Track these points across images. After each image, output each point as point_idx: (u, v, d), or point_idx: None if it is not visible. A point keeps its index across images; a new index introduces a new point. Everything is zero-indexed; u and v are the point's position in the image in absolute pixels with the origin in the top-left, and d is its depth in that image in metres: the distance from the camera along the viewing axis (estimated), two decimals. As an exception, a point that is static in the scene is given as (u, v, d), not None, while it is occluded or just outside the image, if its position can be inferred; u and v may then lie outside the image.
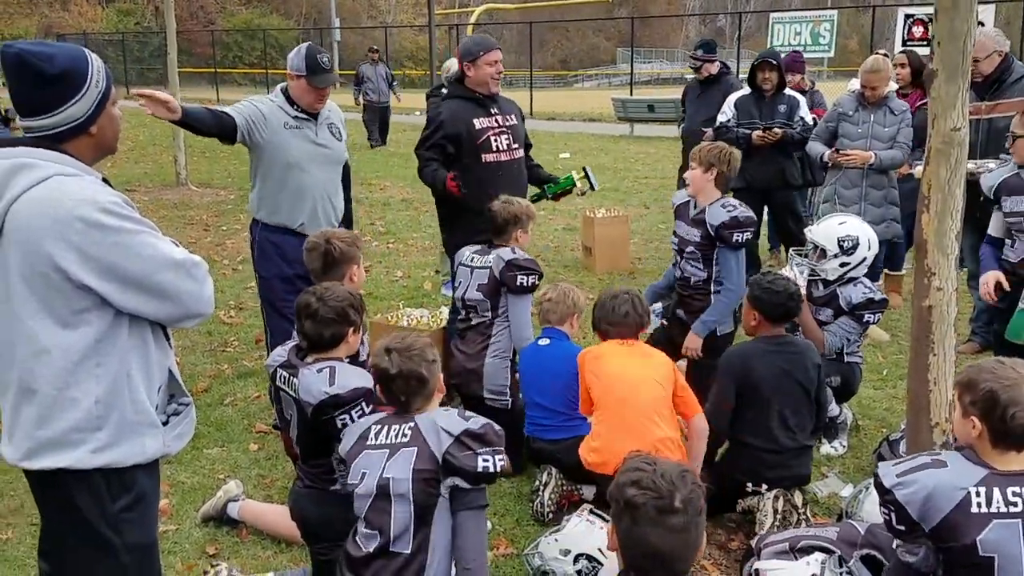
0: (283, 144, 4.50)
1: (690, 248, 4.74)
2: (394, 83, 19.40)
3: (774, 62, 7.05)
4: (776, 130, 6.86)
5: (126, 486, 2.42)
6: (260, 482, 4.41)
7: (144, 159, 17.19)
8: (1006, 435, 2.44)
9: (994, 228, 4.90)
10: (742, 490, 3.78)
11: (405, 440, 2.83)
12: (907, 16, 16.93)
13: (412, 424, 2.85)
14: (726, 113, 7.22)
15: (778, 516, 3.63)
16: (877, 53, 7.96)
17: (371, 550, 2.81)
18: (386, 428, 2.91)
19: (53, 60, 2.27)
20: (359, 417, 3.16)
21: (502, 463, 2.76)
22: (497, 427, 2.83)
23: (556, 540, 3.46)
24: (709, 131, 7.40)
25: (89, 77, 2.34)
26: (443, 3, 55.77)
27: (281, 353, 3.42)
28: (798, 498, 3.77)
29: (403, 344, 2.92)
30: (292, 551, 3.78)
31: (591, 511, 3.58)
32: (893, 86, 6.89)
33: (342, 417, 3.15)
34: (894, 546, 2.70)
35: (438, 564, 2.79)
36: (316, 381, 3.16)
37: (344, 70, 45.46)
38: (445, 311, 5.47)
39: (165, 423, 2.49)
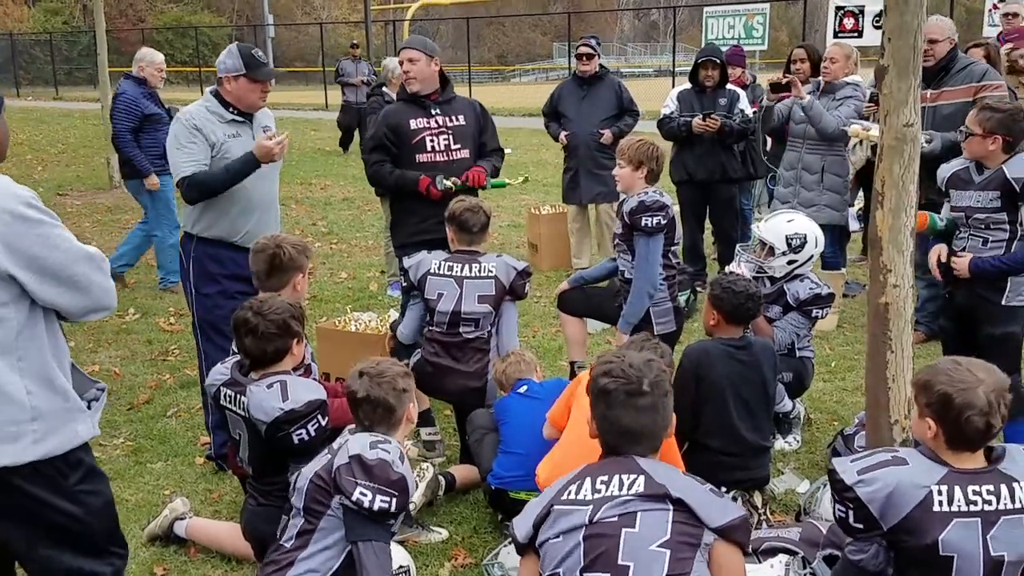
0: (230, 156, 4.27)
1: (616, 240, 4.76)
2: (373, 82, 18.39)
3: (716, 60, 7.10)
4: (715, 117, 6.89)
5: (72, 464, 2.52)
6: (207, 497, 4.28)
7: (75, 162, 16.71)
8: (960, 437, 2.44)
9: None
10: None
11: (334, 449, 2.85)
12: (838, 8, 17.15)
13: (348, 438, 2.86)
14: (669, 106, 7.26)
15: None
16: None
17: (277, 534, 2.94)
18: (342, 435, 2.95)
19: None
20: (315, 430, 3.09)
21: (384, 504, 2.70)
22: (397, 470, 2.74)
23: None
24: (607, 132, 7.31)
25: None
26: (379, -1, 55.31)
27: (223, 371, 3.31)
28: (758, 499, 3.76)
29: (376, 369, 2.91)
30: (243, 568, 3.66)
31: None
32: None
33: (298, 432, 3.08)
34: (845, 544, 2.70)
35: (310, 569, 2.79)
36: (268, 398, 3.07)
37: (279, 67, 44.94)
38: (394, 314, 5.37)
39: (88, 407, 2.58)
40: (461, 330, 4.30)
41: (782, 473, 4.38)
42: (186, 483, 4.41)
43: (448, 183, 4.82)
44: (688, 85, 7.27)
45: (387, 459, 2.73)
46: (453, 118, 4.96)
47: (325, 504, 2.76)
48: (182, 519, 3.87)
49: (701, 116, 6.93)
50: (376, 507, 2.69)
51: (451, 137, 4.93)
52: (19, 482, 2.43)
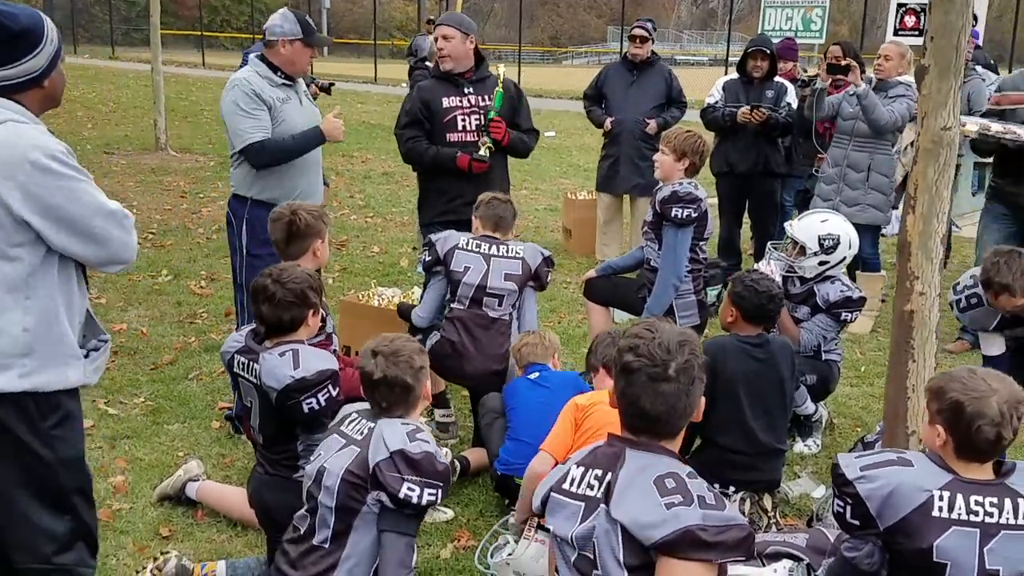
0: (285, 120, 4.39)
1: (645, 228, 4.70)
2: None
3: (767, 50, 6.95)
4: (762, 109, 6.76)
5: (53, 407, 2.60)
6: (220, 461, 4.30)
7: (125, 122, 16.90)
8: (970, 447, 2.39)
9: None
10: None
11: (358, 439, 2.73)
12: (900, 5, 16.79)
13: (372, 426, 2.74)
14: (714, 95, 7.12)
15: (745, 519, 3.55)
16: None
17: (301, 531, 2.78)
18: (358, 420, 2.83)
19: (16, 18, 2.48)
20: (325, 400, 3.07)
21: (431, 497, 2.62)
22: (442, 461, 2.67)
23: (508, 564, 3.30)
24: (653, 122, 7.14)
25: (45, 36, 2.54)
26: (435, -27, 55.20)
27: (237, 339, 3.31)
28: (767, 502, 3.69)
29: (391, 348, 2.78)
30: (248, 535, 3.68)
31: (539, 526, 3.42)
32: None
33: (308, 401, 3.06)
34: (841, 541, 2.65)
35: (352, 569, 2.68)
36: (280, 365, 3.06)
37: (333, 39, 44.96)
38: (418, 291, 5.35)
39: (86, 356, 2.67)
40: (484, 307, 4.25)
41: (799, 477, 4.30)
42: (200, 446, 4.44)
43: (484, 152, 4.80)
44: (735, 75, 7.14)
45: (430, 450, 2.66)
46: (486, 97, 4.91)
47: (360, 500, 2.66)
48: (195, 481, 3.90)
49: (748, 108, 6.81)
50: (424, 501, 2.61)
51: (483, 117, 4.89)
52: (2, 411, 2.53)
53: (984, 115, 6.13)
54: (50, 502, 2.67)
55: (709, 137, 4.88)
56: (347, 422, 2.84)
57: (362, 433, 2.74)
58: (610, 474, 2.22)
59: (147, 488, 4.01)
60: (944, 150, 2.82)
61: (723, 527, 2.09)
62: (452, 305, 4.33)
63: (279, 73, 4.43)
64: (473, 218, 4.38)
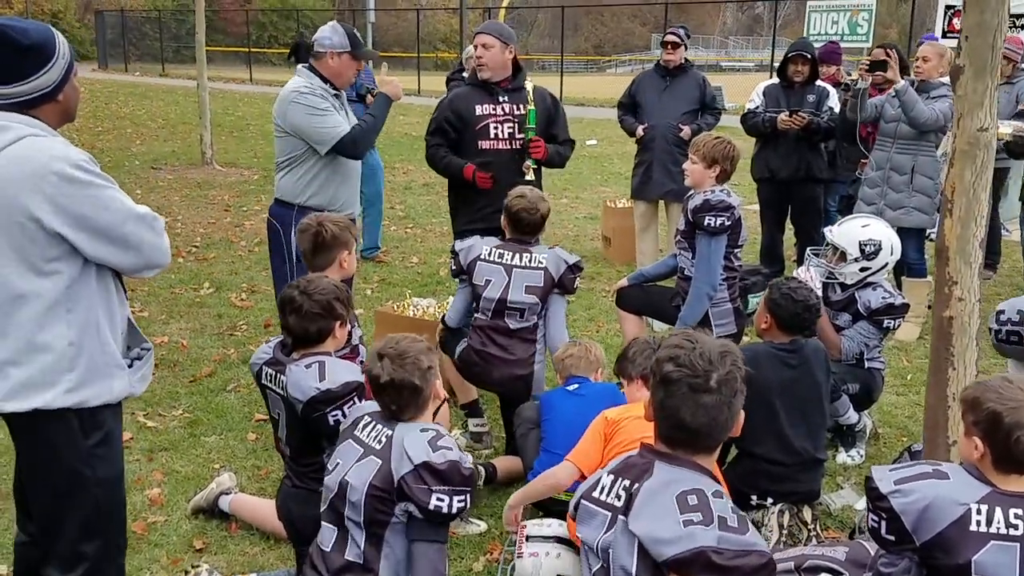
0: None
1: (678, 237, 4.65)
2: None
3: (807, 55, 6.85)
4: (803, 114, 6.65)
5: (97, 424, 2.61)
6: (255, 473, 4.31)
7: (173, 137, 17.17)
8: (1009, 458, 2.30)
9: None
10: (747, 503, 3.62)
11: (377, 448, 2.67)
12: (948, 7, 16.49)
13: (390, 434, 2.68)
14: (754, 100, 7.03)
15: (784, 532, 3.48)
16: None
17: (327, 547, 2.74)
18: (372, 425, 2.76)
19: (27, 33, 2.48)
20: (351, 412, 3.04)
21: (460, 504, 2.57)
22: (467, 465, 2.62)
23: None
24: (687, 128, 6.93)
25: (57, 50, 2.54)
26: (479, -14, 55.50)
27: (266, 350, 3.31)
28: (807, 514, 3.60)
29: (397, 350, 2.71)
30: (281, 548, 3.67)
31: (528, 538, 3.35)
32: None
33: (334, 413, 3.04)
34: (877, 556, 2.57)
35: None
36: (305, 377, 3.05)
37: (378, 51, 45.38)
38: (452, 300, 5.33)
39: (130, 366, 2.68)
40: (506, 319, 4.22)
41: (841, 488, 4.20)
42: (237, 458, 4.46)
43: (530, 175, 4.86)
44: (776, 80, 7.04)
45: (454, 458, 2.60)
46: (520, 106, 4.89)
47: (388, 513, 2.61)
48: (227, 494, 3.91)
49: (787, 112, 6.71)
50: (455, 510, 2.58)
51: (516, 126, 4.88)
52: (43, 428, 2.55)
53: (1019, 116, 6.00)
54: (83, 522, 2.67)
55: (740, 142, 4.79)
56: (362, 426, 2.77)
57: (380, 442, 2.68)
58: (636, 484, 2.18)
59: (182, 501, 4.03)
60: (981, 152, 2.75)
61: (740, 552, 2.03)
62: (476, 315, 4.32)
63: (328, 83, 4.54)
64: (503, 219, 4.36)
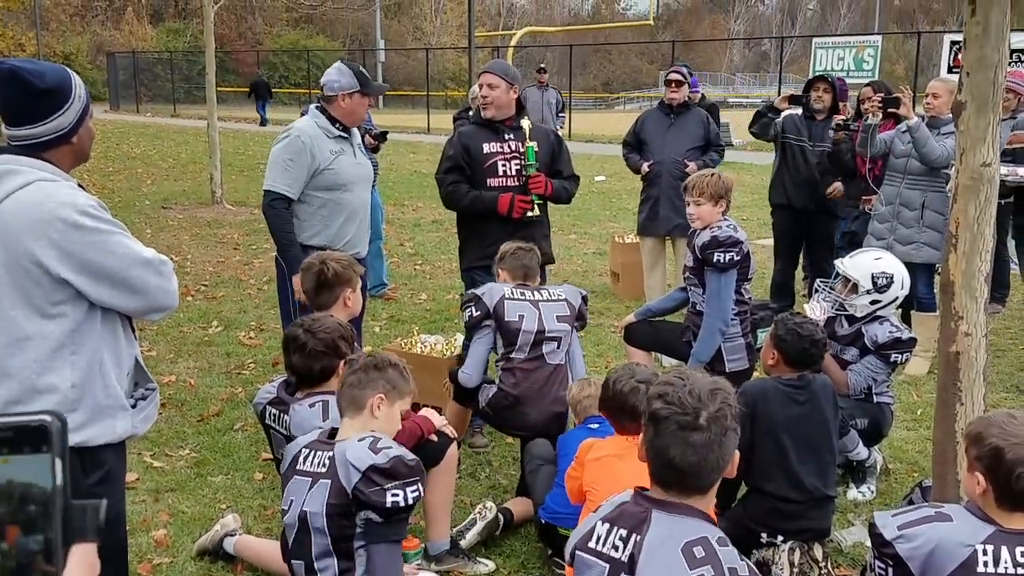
0: (335, 170, 4.58)
1: (687, 274, 4.65)
2: (561, 115, 15.04)
3: (829, 79, 6.91)
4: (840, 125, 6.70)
5: (98, 463, 2.61)
6: (261, 514, 4.28)
7: (184, 177, 17.30)
8: (1011, 495, 2.28)
9: None
10: (757, 540, 3.59)
11: (323, 471, 2.74)
12: (953, 43, 16.61)
13: (331, 454, 2.75)
14: (777, 125, 7.09)
15: (795, 570, 3.44)
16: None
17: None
18: (312, 454, 2.83)
19: (43, 76, 2.49)
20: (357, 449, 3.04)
21: (415, 494, 2.67)
22: (409, 457, 2.71)
23: None
24: (693, 164, 6.91)
25: (73, 92, 2.55)
26: (487, 25, 56.09)
27: (270, 390, 3.33)
28: (818, 551, 3.56)
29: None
30: (287, 589, 3.64)
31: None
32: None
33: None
34: None
35: None
36: (309, 416, 3.06)
37: (388, 92, 45.84)
38: (460, 338, 5.33)
39: (133, 407, 2.69)
40: (544, 351, 4.21)
41: (852, 524, 4.16)
42: (243, 498, 4.43)
43: (535, 211, 4.88)
44: (798, 110, 7.08)
45: (396, 453, 2.69)
46: (526, 144, 4.92)
47: (351, 525, 2.70)
48: (232, 535, 3.88)
49: (834, 127, 6.74)
50: (411, 500, 2.67)
51: (522, 163, 4.89)
52: None
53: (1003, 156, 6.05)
54: None
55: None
56: (302, 460, 2.83)
57: (324, 464, 2.74)
58: (635, 536, 2.13)
59: (188, 542, 4.01)
60: (984, 186, 2.75)
61: None
62: (510, 355, 4.25)
63: (337, 125, 4.60)
64: (499, 270, 4.36)
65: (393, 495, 2.62)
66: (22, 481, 0.74)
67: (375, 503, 2.62)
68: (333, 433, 3.13)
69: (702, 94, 10.55)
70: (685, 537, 2.07)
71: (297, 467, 2.81)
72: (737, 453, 2.18)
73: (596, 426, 3.86)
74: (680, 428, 2.09)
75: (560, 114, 14.87)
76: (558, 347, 4.24)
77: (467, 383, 4.34)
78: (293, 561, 2.81)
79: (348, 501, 2.66)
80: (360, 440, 2.72)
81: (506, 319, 4.19)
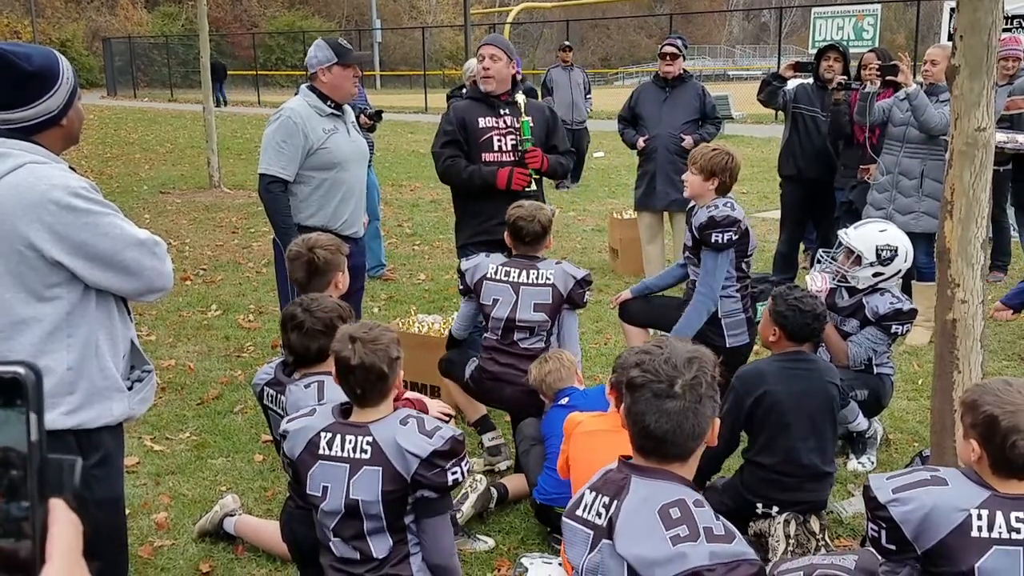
0: (329, 148, 4.57)
1: (687, 253, 4.63)
2: (589, 96, 13.58)
3: (839, 48, 6.88)
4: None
5: (95, 445, 2.61)
6: (262, 495, 4.30)
7: (181, 161, 17.25)
8: (1006, 463, 2.26)
9: None
10: (752, 511, 3.58)
11: (366, 458, 2.64)
12: (952, 10, 16.45)
13: (371, 440, 2.65)
14: (786, 92, 7.05)
15: (791, 541, 3.43)
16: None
17: (355, 558, 2.73)
18: (340, 439, 2.68)
19: (31, 59, 2.46)
20: None
21: (468, 467, 2.69)
22: (457, 432, 2.68)
23: None
24: (689, 137, 6.93)
25: (61, 75, 2.52)
26: (484, 2, 55.74)
27: (267, 371, 3.31)
28: (815, 523, 3.56)
29: (369, 336, 2.70)
30: (288, 569, 3.65)
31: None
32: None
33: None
34: (879, 566, 2.55)
35: (422, 560, 2.73)
36: (304, 397, 3.04)
37: (385, 71, 45.70)
38: (458, 317, 5.32)
39: (130, 389, 2.69)
40: (516, 338, 4.20)
41: (852, 495, 4.16)
42: (243, 479, 4.44)
43: (532, 186, 4.85)
44: (809, 79, 7.03)
45: (449, 433, 2.65)
46: (521, 119, 4.89)
47: (404, 505, 2.67)
48: (232, 516, 3.89)
49: (835, 86, 6.71)
50: (466, 472, 2.68)
51: (518, 138, 4.86)
52: None
53: (1000, 123, 6.00)
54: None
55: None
56: (325, 445, 2.69)
57: (365, 451, 2.64)
58: (616, 502, 2.13)
59: (189, 524, 4.02)
60: (979, 152, 2.72)
61: (732, 563, 1.99)
62: (485, 334, 4.30)
63: (328, 102, 4.58)
64: (506, 234, 4.34)
65: (453, 473, 2.62)
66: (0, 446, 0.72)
67: (436, 484, 2.61)
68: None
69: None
70: (662, 500, 2.07)
71: (320, 452, 2.69)
72: (717, 421, 2.16)
73: (566, 400, 3.86)
74: (655, 396, 2.08)
75: (588, 96, 13.52)
76: (531, 335, 4.19)
77: (455, 334, 4.57)
78: (338, 542, 2.74)
79: (405, 486, 2.62)
80: (403, 424, 2.67)
81: (481, 301, 4.24)
